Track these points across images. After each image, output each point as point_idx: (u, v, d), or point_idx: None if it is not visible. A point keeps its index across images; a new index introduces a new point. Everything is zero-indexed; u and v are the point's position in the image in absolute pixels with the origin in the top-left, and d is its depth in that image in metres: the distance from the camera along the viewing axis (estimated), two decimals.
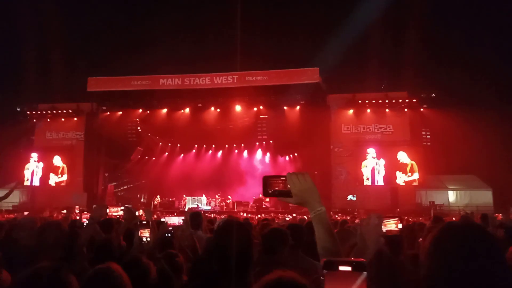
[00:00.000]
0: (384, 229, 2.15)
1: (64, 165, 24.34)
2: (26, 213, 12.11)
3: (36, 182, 24.54)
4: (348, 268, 0.99)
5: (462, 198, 21.73)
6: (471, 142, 20.05)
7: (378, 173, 22.14)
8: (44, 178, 24.48)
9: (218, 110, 23.68)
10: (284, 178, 1.66)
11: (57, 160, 24.45)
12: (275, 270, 1.29)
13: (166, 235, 3.73)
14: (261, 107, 23.58)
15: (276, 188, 1.66)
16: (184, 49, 22.52)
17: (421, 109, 22.45)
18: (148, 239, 3.04)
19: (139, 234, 3.07)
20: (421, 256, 1.42)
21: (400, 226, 2.27)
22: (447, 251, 1.33)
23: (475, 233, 1.38)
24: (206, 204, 22.50)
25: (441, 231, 1.41)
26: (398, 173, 21.99)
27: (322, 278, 0.99)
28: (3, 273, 2.11)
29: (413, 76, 21.43)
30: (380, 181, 22.09)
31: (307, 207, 1.68)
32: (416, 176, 21.85)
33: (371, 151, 22.25)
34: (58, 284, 1.57)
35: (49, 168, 24.52)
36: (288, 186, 1.64)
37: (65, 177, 24.30)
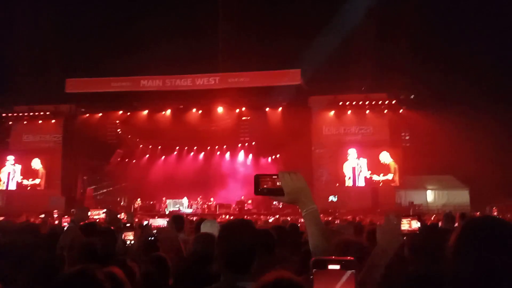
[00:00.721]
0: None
1: (41, 168, 23.78)
2: (1, 218, 11.74)
3: (12, 186, 23.89)
4: (337, 267, 0.99)
5: (440, 198, 22.23)
6: (449, 142, 20.51)
7: (359, 174, 22.42)
8: (21, 182, 23.85)
9: (200, 111, 23.58)
10: (276, 177, 1.65)
11: (36, 163, 23.88)
12: (271, 271, 1.29)
13: (150, 238, 3.68)
14: (243, 109, 23.59)
15: (269, 187, 1.65)
16: (165, 50, 22.25)
17: (400, 111, 22.85)
18: (132, 241, 2.99)
19: (123, 237, 3.02)
20: (446, 253, 1.43)
21: (418, 224, 2.28)
22: (473, 245, 1.33)
23: (501, 226, 1.39)
24: (188, 207, 22.32)
25: (465, 226, 1.43)
26: (376, 174, 22.36)
27: (311, 277, 0.98)
28: None
29: (392, 77, 21.80)
30: (361, 182, 22.38)
31: (299, 205, 1.69)
32: (390, 176, 22.20)
33: (352, 152, 22.52)
34: (95, 286, 1.55)
35: (26, 172, 23.91)
36: (279, 184, 1.63)
37: (37, 181, 23.74)
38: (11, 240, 2.66)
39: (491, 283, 1.28)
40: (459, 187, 22.30)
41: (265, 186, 1.65)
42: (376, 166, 22.42)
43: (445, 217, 6.85)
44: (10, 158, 24.07)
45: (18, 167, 24.04)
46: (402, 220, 2.23)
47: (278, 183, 1.64)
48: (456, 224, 6.16)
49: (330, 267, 1.00)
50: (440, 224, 7.23)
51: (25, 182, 23.77)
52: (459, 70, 22.07)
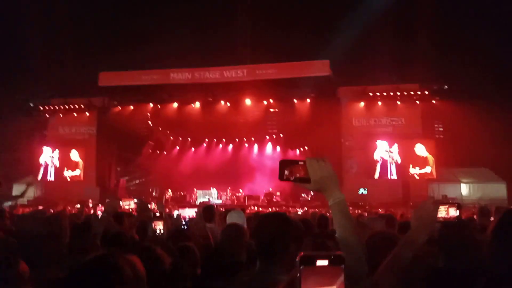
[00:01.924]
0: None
1: (80, 160, 24.62)
2: (40, 207, 12.31)
3: (51, 177, 24.88)
4: (325, 262, 0.95)
5: (475, 191, 21.50)
6: (484, 134, 19.75)
7: (391, 167, 21.95)
8: (59, 173, 24.79)
9: (228, 104, 23.69)
10: (302, 163, 1.58)
11: (74, 155, 24.75)
12: None
13: (182, 227, 3.76)
14: (271, 101, 23.51)
15: (294, 175, 1.58)
16: (193, 42, 22.47)
17: (433, 101, 22.15)
18: (162, 231, 3.06)
19: (153, 226, 3.09)
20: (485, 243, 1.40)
21: (457, 213, 2.16)
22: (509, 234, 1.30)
23: None
24: (217, 198, 22.61)
25: (503, 218, 1.40)
26: (412, 167, 21.80)
27: (298, 274, 0.94)
28: (21, 264, 2.13)
29: (425, 68, 21.10)
30: (393, 175, 21.90)
31: (325, 194, 1.63)
32: (428, 169, 21.63)
33: (384, 144, 22.05)
34: (115, 270, 1.58)
35: (64, 163, 24.82)
36: (306, 171, 1.57)
37: (78, 172, 24.58)
38: (30, 231, 2.77)
39: None
40: (495, 180, 21.49)
41: (290, 172, 1.58)
42: (410, 159, 21.87)
43: (480, 211, 6.65)
44: (49, 151, 25.02)
45: (56, 159, 24.97)
46: (440, 207, 2.10)
47: (304, 170, 1.57)
48: (492, 219, 5.95)
49: (319, 263, 0.95)
50: (475, 218, 7.01)
51: (66, 173, 24.65)
52: (495, 60, 21.14)
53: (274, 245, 1.93)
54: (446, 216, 2.09)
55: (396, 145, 21.99)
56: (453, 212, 2.10)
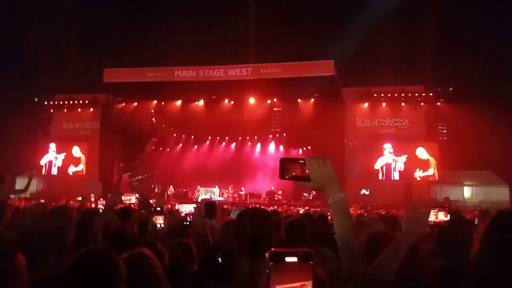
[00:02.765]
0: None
1: (82, 155, 24.73)
2: (42, 201, 12.38)
3: (54, 172, 25.00)
4: (295, 259, 0.95)
5: (478, 194, 21.43)
6: (488, 138, 19.67)
7: (395, 169, 21.89)
8: (62, 168, 24.92)
9: (232, 102, 23.72)
10: (302, 162, 1.59)
11: (76, 151, 24.87)
12: None
13: (184, 223, 3.77)
14: (275, 100, 23.53)
15: (294, 173, 1.58)
16: (198, 40, 22.50)
17: (438, 103, 22.10)
18: (162, 225, 3.09)
19: (154, 220, 3.12)
20: (475, 244, 1.42)
21: (447, 217, 2.15)
22: (499, 235, 1.32)
23: None
24: (219, 195, 22.65)
25: (495, 218, 1.41)
26: (416, 169, 21.77)
27: (267, 271, 0.94)
28: (18, 256, 2.16)
29: (430, 69, 21.01)
30: (396, 176, 21.85)
31: (326, 192, 1.62)
32: (431, 171, 21.58)
33: (387, 146, 22.02)
34: (108, 266, 1.62)
35: (67, 158, 24.95)
36: (307, 170, 1.57)
37: (81, 167, 24.69)
38: (39, 224, 2.80)
39: None
40: (498, 184, 21.42)
41: (291, 171, 1.59)
42: (413, 161, 21.84)
43: (481, 214, 6.63)
44: (52, 146, 25.16)
45: (60, 154, 25.09)
46: (430, 211, 2.09)
47: (304, 169, 1.58)
48: None
49: (288, 259, 0.95)
50: (476, 221, 6.99)
51: (69, 168, 24.77)
52: (500, 63, 21.04)
53: (259, 242, 1.92)
54: (436, 220, 2.09)
55: (400, 147, 21.95)
56: (442, 217, 2.11)
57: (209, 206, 4.89)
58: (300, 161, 1.60)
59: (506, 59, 20.97)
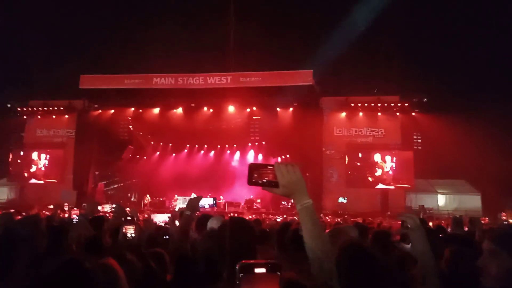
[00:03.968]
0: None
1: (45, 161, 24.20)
2: (12, 210, 11.96)
3: (26, 180, 24.28)
4: (263, 270, 0.99)
5: (451, 202, 21.98)
6: (461, 147, 20.24)
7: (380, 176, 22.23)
8: (35, 176, 24.25)
9: (211, 110, 23.64)
10: (272, 168, 1.56)
11: (52, 158, 24.36)
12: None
13: (164, 237, 3.71)
14: (254, 108, 23.59)
15: (264, 179, 1.56)
16: (178, 48, 22.41)
17: (413, 113, 22.65)
18: (133, 235, 3.02)
19: (124, 230, 3.05)
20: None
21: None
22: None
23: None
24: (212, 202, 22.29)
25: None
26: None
27: (237, 282, 0.98)
28: None
29: (405, 80, 21.59)
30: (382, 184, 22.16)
31: (294, 199, 1.61)
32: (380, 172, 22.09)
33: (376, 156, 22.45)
34: (84, 276, 1.58)
35: (40, 165, 24.29)
36: (275, 176, 1.55)
37: (53, 175, 24.09)
38: (7, 234, 2.71)
39: None
40: (471, 192, 22.03)
41: (260, 176, 1.57)
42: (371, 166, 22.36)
43: (453, 221, 6.75)
44: (25, 152, 24.48)
45: (33, 161, 24.43)
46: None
47: (273, 175, 1.55)
48: (466, 229, 6.07)
49: (257, 270, 0.99)
50: (449, 228, 7.12)
51: (41, 176, 24.12)
52: (473, 75, 21.80)
53: (242, 252, 1.88)
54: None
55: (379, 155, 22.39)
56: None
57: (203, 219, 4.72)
58: (269, 167, 1.57)
59: (478, 71, 21.75)
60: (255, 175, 1.56)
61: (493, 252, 1.60)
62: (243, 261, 0.99)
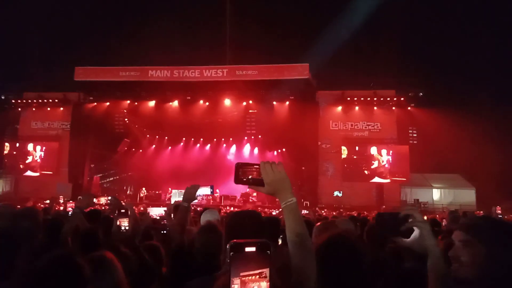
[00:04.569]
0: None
1: (41, 153, 24.10)
2: (6, 203, 11.90)
3: (22, 172, 24.18)
4: (253, 249, 1.02)
5: (446, 196, 22.12)
6: (456, 141, 20.36)
7: (376, 168, 22.31)
8: (30, 168, 24.15)
9: (207, 103, 23.56)
10: (257, 167, 1.61)
11: (47, 150, 24.26)
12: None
13: (162, 232, 3.70)
14: (250, 102, 23.53)
15: (249, 177, 1.61)
16: (174, 41, 22.31)
17: (409, 108, 22.70)
18: (127, 227, 3.02)
19: (118, 223, 3.04)
20: None
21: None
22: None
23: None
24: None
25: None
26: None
27: (228, 260, 1.01)
28: None
29: (401, 75, 21.64)
30: (378, 177, 22.24)
31: (278, 197, 1.65)
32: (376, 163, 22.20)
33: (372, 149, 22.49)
34: (73, 270, 1.61)
35: (35, 158, 24.18)
36: (260, 174, 1.60)
37: (49, 167, 23.98)
38: (7, 225, 2.70)
39: None
40: (465, 186, 22.17)
41: (246, 175, 1.61)
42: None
43: (450, 216, 6.76)
44: (20, 144, 24.35)
45: (28, 153, 24.33)
46: None
47: (258, 173, 1.60)
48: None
49: (247, 249, 1.02)
50: (444, 222, 7.15)
51: (37, 168, 24.01)
52: (469, 70, 21.87)
53: None
54: None
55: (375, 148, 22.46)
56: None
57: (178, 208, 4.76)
58: (255, 166, 1.62)
59: (474, 66, 21.80)
60: (242, 173, 1.61)
61: (466, 242, 1.63)
62: (233, 240, 1.02)
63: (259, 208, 18.46)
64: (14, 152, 24.38)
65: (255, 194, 22.83)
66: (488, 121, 19.91)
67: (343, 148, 22.52)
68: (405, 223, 1.78)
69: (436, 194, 22.36)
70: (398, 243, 1.90)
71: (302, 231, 1.62)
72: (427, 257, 1.76)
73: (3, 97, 24.26)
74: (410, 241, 1.78)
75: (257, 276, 1.02)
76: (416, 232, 1.77)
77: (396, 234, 1.82)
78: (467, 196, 21.47)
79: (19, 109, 24.84)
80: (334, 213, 13.71)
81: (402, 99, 22.16)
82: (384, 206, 18.78)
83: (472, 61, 21.75)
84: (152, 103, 23.83)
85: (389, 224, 1.76)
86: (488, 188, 20.15)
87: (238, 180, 1.61)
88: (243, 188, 22.60)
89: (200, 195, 20.68)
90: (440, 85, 21.98)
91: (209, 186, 19.86)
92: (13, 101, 24.32)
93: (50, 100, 24.11)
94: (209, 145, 27.15)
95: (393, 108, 22.65)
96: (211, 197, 22.74)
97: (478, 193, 21.38)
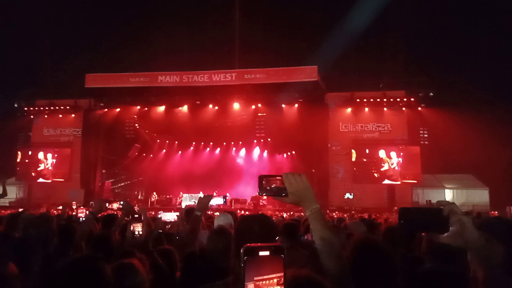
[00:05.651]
0: None
1: (52, 161, 24.38)
2: (21, 209, 12.08)
3: (35, 179, 24.49)
4: (267, 253, 1.03)
5: (459, 197, 21.83)
6: (468, 141, 20.11)
7: (386, 171, 22.12)
8: (43, 175, 24.44)
9: (216, 107, 23.64)
10: (280, 178, 1.67)
11: (59, 157, 24.56)
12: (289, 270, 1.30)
13: (176, 238, 3.74)
14: (259, 105, 23.55)
15: (273, 185, 1.67)
16: (182, 46, 22.46)
17: (419, 108, 22.49)
18: (140, 232, 3.05)
19: (132, 228, 3.08)
20: None
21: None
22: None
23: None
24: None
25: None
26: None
27: (242, 264, 1.01)
28: (10, 266, 2.14)
29: (411, 75, 21.47)
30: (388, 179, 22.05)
31: (303, 206, 1.71)
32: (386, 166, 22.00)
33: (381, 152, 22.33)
34: (95, 273, 1.64)
35: (48, 165, 24.48)
36: (283, 185, 1.66)
37: (61, 174, 24.26)
38: (24, 233, 2.75)
39: None
40: (478, 186, 21.87)
41: (269, 186, 1.68)
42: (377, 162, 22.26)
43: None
44: (33, 152, 24.68)
45: (41, 160, 24.63)
46: None
47: (282, 184, 1.66)
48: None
49: (261, 253, 1.03)
50: None
51: (50, 175, 24.29)
52: (480, 69, 21.61)
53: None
54: None
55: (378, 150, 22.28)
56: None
57: (190, 212, 4.79)
58: (277, 177, 1.68)
59: (485, 65, 21.54)
60: (265, 185, 1.68)
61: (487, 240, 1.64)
62: (247, 244, 1.03)
63: (269, 212, 18.43)
64: (26, 160, 24.68)
65: (265, 197, 22.81)
66: (500, 120, 19.64)
67: (352, 151, 22.38)
68: (448, 220, 1.73)
69: (448, 194, 22.08)
70: (433, 239, 1.90)
71: (327, 236, 1.68)
72: (464, 253, 1.72)
73: (16, 105, 24.63)
74: (448, 236, 1.73)
75: (271, 281, 1.02)
76: (456, 227, 1.74)
77: (429, 230, 1.79)
78: (480, 196, 21.18)
79: (32, 116, 25.19)
80: (345, 216, 13.65)
81: (412, 99, 21.97)
82: (396, 208, 18.62)
83: (483, 60, 21.52)
84: (162, 108, 23.99)
85: (419, 220, 1.70)
86: (501, 187, 19.86)
87: (262, 190, 1.67)
88: (253, 192, 22.64)
89: (213, 205, 20.73)
90: (451, 85, 21.76)
91: (222, 196, 20.00)
92: (25, 108, 24.69)
93: (62, 107, 24.43)
94: (218, 149, 27.23)
95: (403, 108, 22.47)
96: (222, 207, 22.78)
97: (492, 193, 21.08)
